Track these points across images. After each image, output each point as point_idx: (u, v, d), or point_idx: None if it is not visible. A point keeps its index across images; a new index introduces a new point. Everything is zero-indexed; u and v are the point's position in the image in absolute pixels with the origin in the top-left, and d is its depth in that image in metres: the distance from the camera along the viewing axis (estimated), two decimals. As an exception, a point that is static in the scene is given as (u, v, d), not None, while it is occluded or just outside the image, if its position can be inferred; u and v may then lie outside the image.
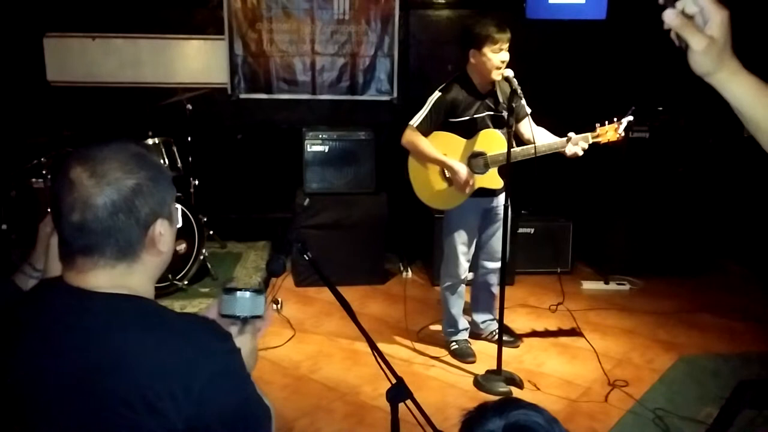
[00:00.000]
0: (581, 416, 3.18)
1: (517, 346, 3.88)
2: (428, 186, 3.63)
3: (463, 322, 3.85)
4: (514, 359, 3.69)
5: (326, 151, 4.76)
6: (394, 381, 2.04)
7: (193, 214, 4.39)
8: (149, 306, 1.20)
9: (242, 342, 1.30)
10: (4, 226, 4.14)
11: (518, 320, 4.25)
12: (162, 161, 4.42)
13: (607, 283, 4.88)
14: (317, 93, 5.50)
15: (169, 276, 4.22)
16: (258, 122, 5.52)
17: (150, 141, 4.44)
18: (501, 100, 3.52)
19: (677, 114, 4.96)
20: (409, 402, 2.02)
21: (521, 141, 3.59)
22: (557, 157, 3.45)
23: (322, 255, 4.23)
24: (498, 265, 3.66)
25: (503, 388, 3.35)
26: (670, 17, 0.97)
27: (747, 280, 4.97)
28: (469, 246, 3.70)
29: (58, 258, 1.22)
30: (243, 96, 5.46)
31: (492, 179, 3.53)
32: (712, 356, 3.78)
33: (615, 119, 3.34)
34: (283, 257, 2.13)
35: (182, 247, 4.30)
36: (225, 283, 1.15)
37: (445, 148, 3.52)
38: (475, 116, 3.51)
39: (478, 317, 3.97)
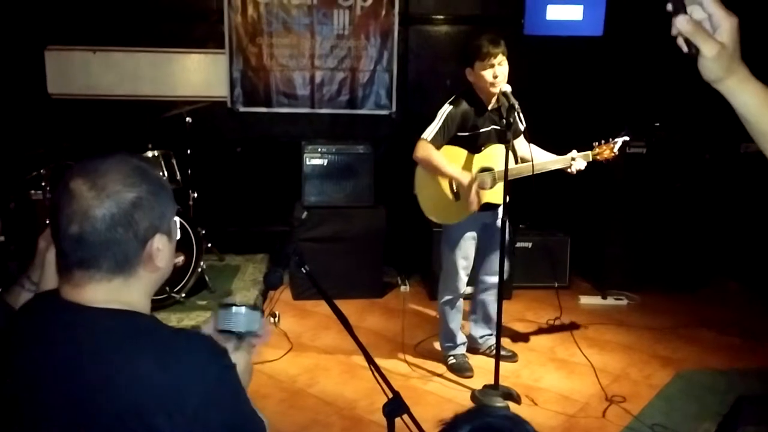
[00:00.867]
0: (579, 432, 3.18)
1: (515, 361, 3.87)
2: (435, 200, 3.61)
3: (461, 337, 3.84)
4: (511, 374, 3.69)
5: (325, 164, 4.77)
6: (390, 395, 2.04)
7: (191, 227, 4.39)
8: (144, 322, 1.19)
9: (238, 358, 1.30)
10: (2, 238, 4.14)
11: (516, 335, 4.24)
12: (161, 174, 4.44)
13: (604, 298, 4.89)
14: (316, 107, 5.53)
15: (167, 288, 4.21)
16: (257, 135, 5.54)
17: (149, 154, 4.45)
18: (503, 115, 3.53)
19: (674, 130, 4.98)
20: (405, 417, 2.02)
21: (516, 157, 3.60)
22: (555, 171, 3.48)
23: (321, 268, 4.24)
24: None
25: (500, 403, 3.33)
26: (681, 23, 0.97)
27: (744, 296, 4.98)
28: (468, 260, 3.70)
29: (56, 271, 1.21)
30: (243, 109, 5.48)
31: (497, 195, 3.54)
32: (710, 372, 3.77)
33: (611, 139, 3.39)
34: (280, 270, 2.13)
35: (180, 259, 4.30)
36: (222, 298, 1.15)
37: (452, 161, 3.52)
38: (480, 131, 3.52)
39: (477, 332, 3.96)
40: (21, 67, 5.14)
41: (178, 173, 4.63)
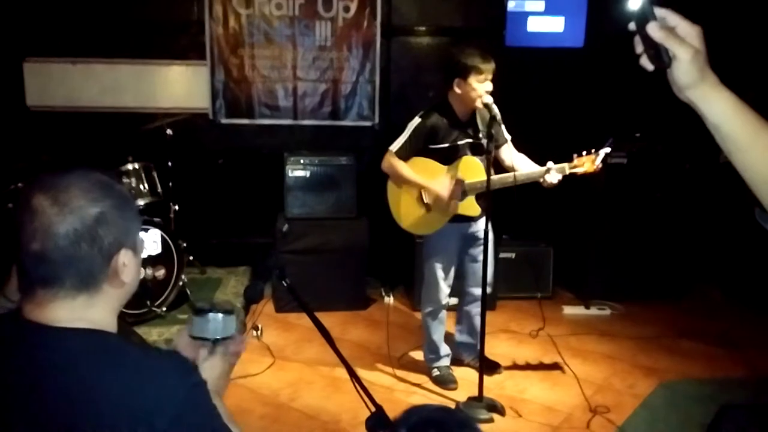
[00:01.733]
0: (563, 443, 3.17)
1: (499, 373, 3.86)
2: (405, 211, 3.64)
3: (444, 348, 3.83)
4: (495, 386, 3.68)
5: (308, 176, 4.76)
6: (374, 409, 2.02)
7: (172, 240, 4.34)
8: (111, 341, 1.17)
9: (212, 364, 1.28)
10: (-22, 252, 4.07)
11: (500, 346, 4.23)
12: (142, 186, 4.40)
13: (587, 308, 4.90)
14: (299, 118, 5.51)
15: (148, 302, 4.16)
16: (239, 147, 5.51)
17: (130, 166, 4.40)
18: (480, 127, 3.55)
19: (655, 140, 5.03)
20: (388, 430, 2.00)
21: (501, 167, 3.61)
22: (537, 182, 3.48)
23: (303, 280, 4.23)
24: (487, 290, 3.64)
25: (485, 415, 3.32)
26: (654, 30, 0.98)
27: (726, 305, 5.01)
28: (448, 271, 3.70)
29: (18, 289, 1.18)
30: (224, 121, 5.45)
31: (470, 206, 3.55)
32: (693, 381, 3.79)
33: (593, 150, 3.33)
34: (261, 283, 2.11)
35: (161, 273, 4.25)
36: (196, 303, 1.13)
37: (424, 173, 3.53)
38: (454, 143, 3.53)
39: (462, 343, 3.95)
40: (-1, 79, 5.09)
41: (159, 185, 4.58)
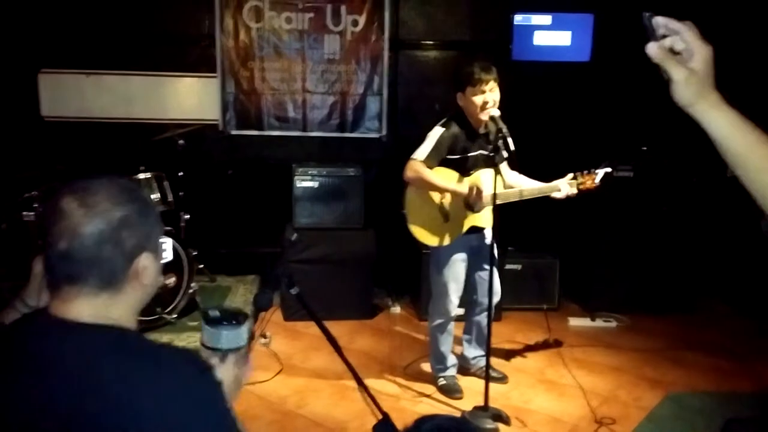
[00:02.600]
0: (568, 453, 3.19)
1: (505, 383, 3.88)
2: (425, 220, 3.63)
3: (451, 359, 3.85)
4: (501, 396, 3.70)
5: (316, 186, 4.81)
6: (380, 417, 2.06)
7: (183, 248, 4.40)
8: (130, 337, 1.21)
9: (224, 371, 1.32)
10: (-6, 260, 4.14)
11: (505, 356, 4.26)
12: (153, 195, 4.46)
13: (593, 319, 4.91)
14: (307, 130, 5.58)
15: (158, 309, 4.21)
16: (249, 158, 5.58)
17: (142, 176, 4.46)
18: (491, 139, 3.58)
19: (661, 154, 5.05)
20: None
21: (503, 182, 3.65)
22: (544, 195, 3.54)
23: (311, 289, 4.24)
24: (494, 300, 3.66)
25: (490, 425, 3.34)
26: (651, 50, 1.04)
27: (732, 319, 5.01)
28: (458, 283, 3.71)
29: (46, 286, 1.24)
30: (234, 132, 5.52)
31: (483, 218, 3.58)
32: (699, 394, 3.79)
33: (592, 169, 3.49)
34: (269, 292, 2.16)
35: (171, 280, 4.31)
36: (207, 309, 1.15)
37: (443, 182, 3.56)
38: (469, 154, 3.56)
39: (470, 352, 3.97)
40: (15, 90, 5.18)
41: (170, 195, 4.64)
